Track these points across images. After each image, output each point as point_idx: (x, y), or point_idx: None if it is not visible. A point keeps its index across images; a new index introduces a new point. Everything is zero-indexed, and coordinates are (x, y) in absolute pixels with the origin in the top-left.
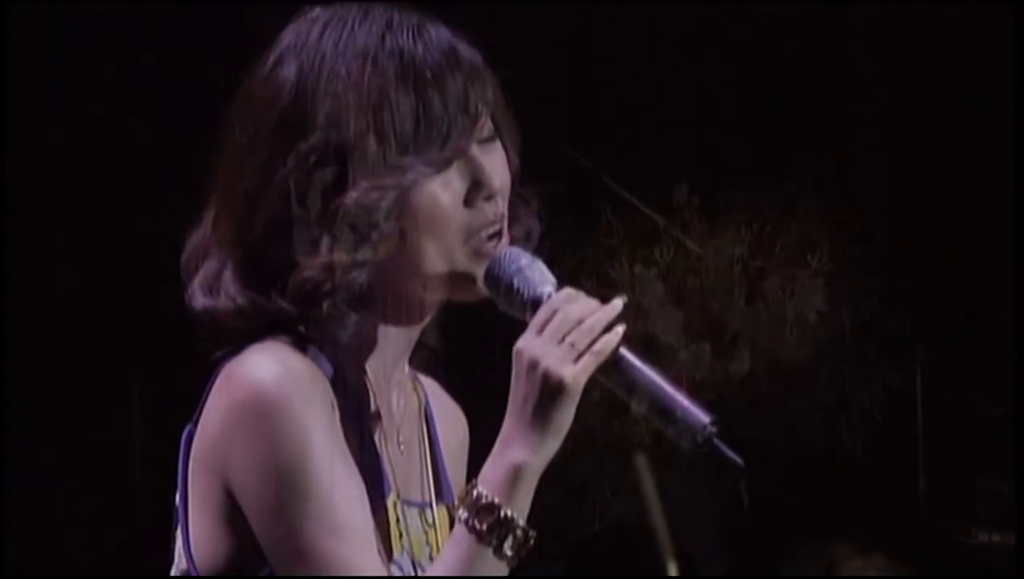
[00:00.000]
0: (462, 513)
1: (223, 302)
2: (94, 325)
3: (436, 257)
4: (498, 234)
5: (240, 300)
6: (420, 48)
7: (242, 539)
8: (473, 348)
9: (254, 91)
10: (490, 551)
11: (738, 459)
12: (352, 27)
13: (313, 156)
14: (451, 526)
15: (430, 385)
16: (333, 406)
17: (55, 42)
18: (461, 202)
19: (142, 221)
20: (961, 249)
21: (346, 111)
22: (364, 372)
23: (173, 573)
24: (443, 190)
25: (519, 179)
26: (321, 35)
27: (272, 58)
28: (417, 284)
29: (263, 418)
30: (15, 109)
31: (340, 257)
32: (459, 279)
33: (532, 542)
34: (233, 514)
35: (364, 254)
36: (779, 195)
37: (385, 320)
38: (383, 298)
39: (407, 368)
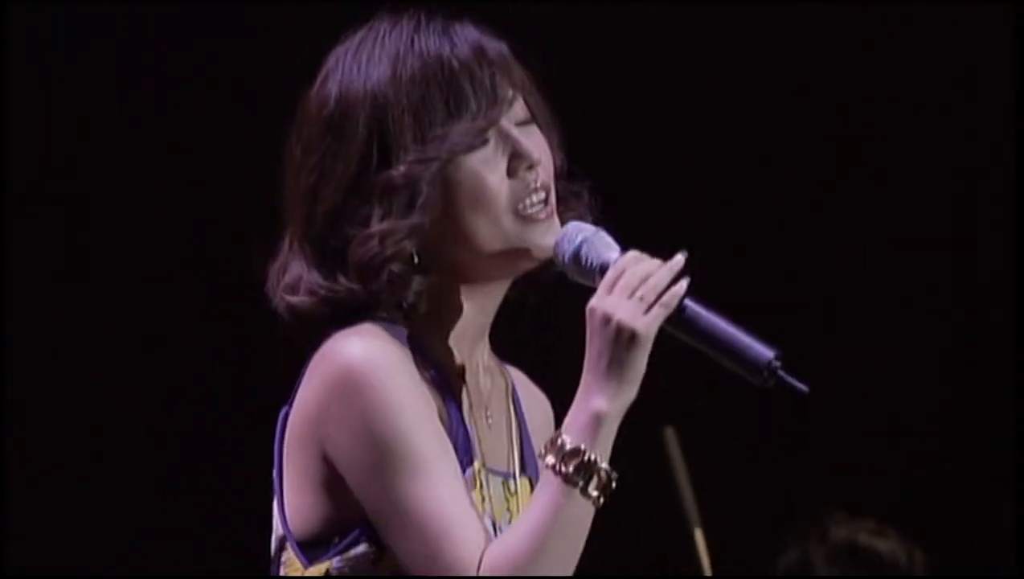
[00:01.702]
0: (549, 459)
1: (305, 297)
2: (93, 325)
3: (488, 232)
4: (544, 201)
5: (320, 290)
6: (447, 45)
7: (336, 505)
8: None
9: (305, 108)
10: (577, 491)
11: (804, 387)
12: (383, 38)
13: (359, 147)
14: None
15: (516, 374)
16: (419, 379)
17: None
18: (504, 175)
19: (142, 221)
20: (959, 249)
21: (384, 105)
22: (448, 351)
23: (272, 540)
24: (484, 166)
25: (566, 175)
26: (356, 51)
27: (318, 81)
28: (475, 261)
29: (355, 388)
30: (15, 109)
31: (390, 225)
32: (513, 249)
33: (615, 484)
34: (329, 482)
35: (411, 220)
36: None
37: (453, 297)
38: (446, 274)
39: (491, 354)
